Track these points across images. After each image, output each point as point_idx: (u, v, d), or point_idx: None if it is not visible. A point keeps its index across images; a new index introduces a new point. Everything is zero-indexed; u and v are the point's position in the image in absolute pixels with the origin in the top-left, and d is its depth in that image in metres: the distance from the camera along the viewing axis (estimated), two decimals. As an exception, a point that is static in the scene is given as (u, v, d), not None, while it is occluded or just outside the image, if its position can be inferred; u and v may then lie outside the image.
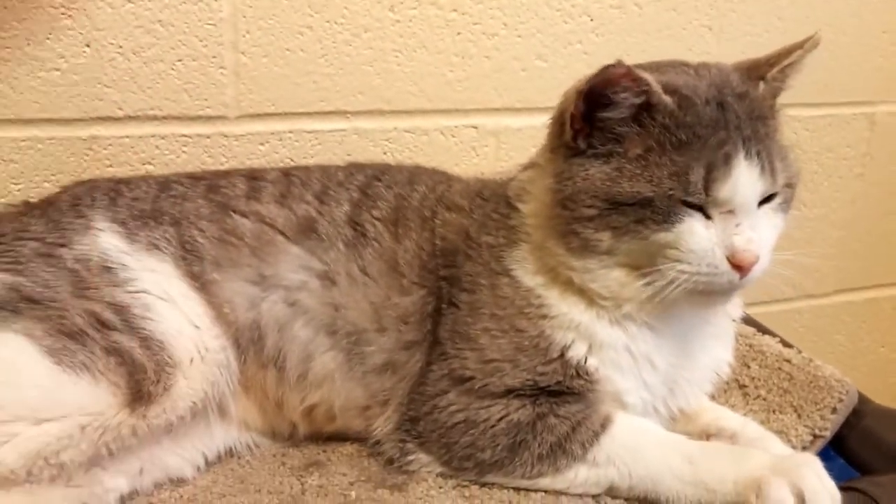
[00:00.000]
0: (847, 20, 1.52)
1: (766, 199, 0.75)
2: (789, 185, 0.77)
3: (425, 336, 0.84)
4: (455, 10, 1.24)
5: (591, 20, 1.34)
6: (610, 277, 0.77)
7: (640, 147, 0.74)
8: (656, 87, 0.72)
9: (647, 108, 0.73)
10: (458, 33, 1.25)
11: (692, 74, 0.78)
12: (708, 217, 0.73)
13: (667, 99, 0.73)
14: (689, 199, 0.72)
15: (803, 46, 0.78)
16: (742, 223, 0.72)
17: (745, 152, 0.73)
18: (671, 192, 0.72)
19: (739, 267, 0.72)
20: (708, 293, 0.75)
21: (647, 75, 0.72)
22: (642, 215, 0.73)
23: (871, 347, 1.85)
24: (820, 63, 1.50)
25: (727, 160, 0.72)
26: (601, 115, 0.74)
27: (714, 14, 1.42)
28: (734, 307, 0.88)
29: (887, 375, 1.90)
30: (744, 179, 0.72)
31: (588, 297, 0.79)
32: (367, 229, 0.88)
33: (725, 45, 1.42)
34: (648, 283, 0.75)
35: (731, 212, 0.73)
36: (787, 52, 0.78)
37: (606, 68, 0.71)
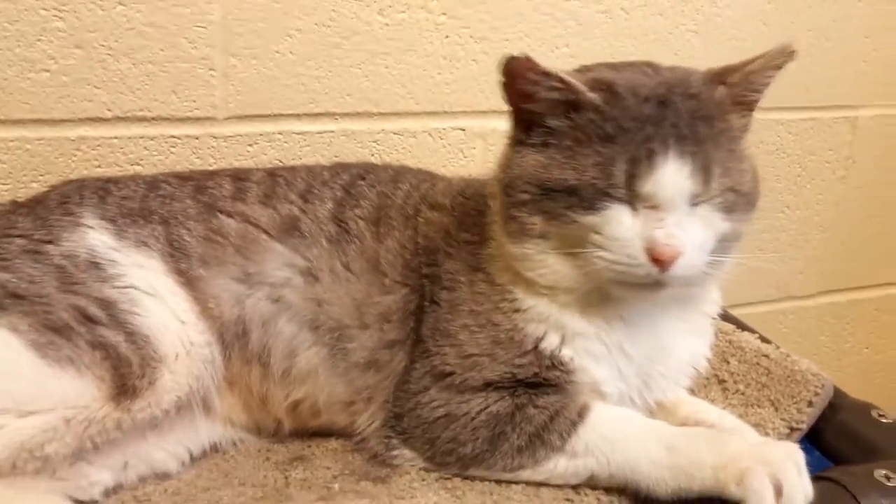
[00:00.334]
0: (830, 25, 1.54)
1: (703, 200, 0.75)
2: (734, 191, 0.76)
3: (408, 335, 0.86)
4: (444, 13, 1.25)
5: (579, 24, 1.35)
6: (546, 265, 0.78)
7: (570, 138, 0.76)
8: (576, 84, 0.74)
9: (575, 107, 0.75)
10: (447, 36, 1.27)
11: (648, 74, 0.80)
12: (634, 208, 0.74)
13: (591, 95, 0.75)
14: (612, 191, 0.74)
15: (770, 55, 0.78)
16: (666, 219, 0.73)
17: (675, 150, 0.73)
18: (594, 182, 0.74)
19: (658, 261, 0.72)
20: (633, 285, 0.75)
21: (557, 71, 0.74)
22: (570, 202, 0.75)
23: (855, 348, 1.87)
24: (803, 67, 1.53)
25: (651, 156, 0.72)
26: (525, 108, 0.77)
27: (700, 19, 1.43)
28: (709, 304, 0.89)
29: (871, 376, 1.91)
30: (668, 177, 0.72)
31: (563, 300, 0.80)
32: (350, 227, 0.89)
33: (712, 50, 1.44)
34: (576, 268, 0.76)
35: (655, 207, 0.73)
36: (755, 58, 0.78)
37: (509, 60, 0.74)
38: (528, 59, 0.74)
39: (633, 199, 0.74)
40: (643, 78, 0.78)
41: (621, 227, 0.73)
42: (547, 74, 0.74)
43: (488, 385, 0.79)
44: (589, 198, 0.74)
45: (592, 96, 0.75)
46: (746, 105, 0.81)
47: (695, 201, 0.75)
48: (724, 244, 0.78)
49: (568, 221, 0.75)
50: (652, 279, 0.73)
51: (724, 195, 0.76)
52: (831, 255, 1.73)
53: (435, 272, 0.86)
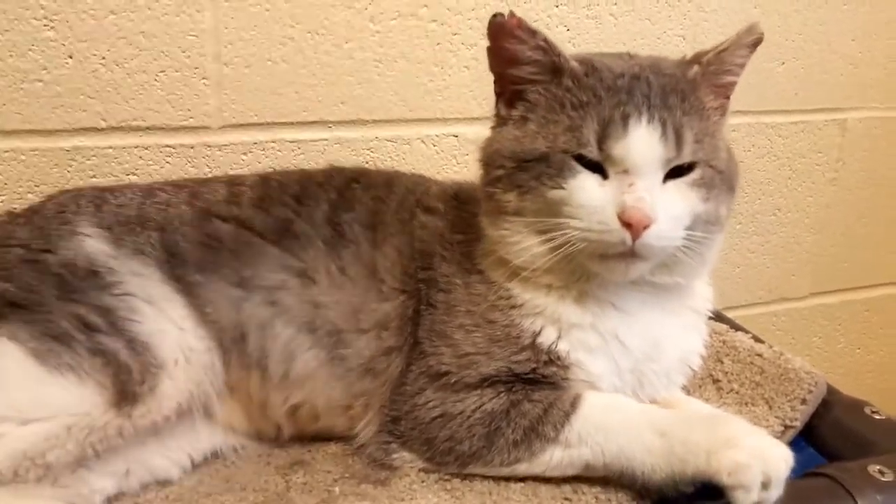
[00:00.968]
0: (817, 28, 1.56)
1: (678, 173, 0.77)
2: (710, 166, 0.78)
3: (406, 340, 0.86)
4: (434, 20, 1.26)
5: (568, 30, 1.37)
6: (524, 245, 0.79)
7: (546, 109, 0.78)
8: (558, 47, 0.77)
9: (556, 73, 0.78)
10: (438, 43, 1.28)
11: (624, 58, 0.83)
12: (605, 177, 0.75)
13: (574, 63, 0.78)
14: (583, 152, 0.75)
15: (739, 35, 0.80)
16: (636, 184, 0.74)
17: (647, 116, 0.75)
18: (565, 147, 0.76)
19: (629, 225, 0.72)
20: (608, 257, 0.75)
21: (543, 33, 0.77)
22: (540, 171, 0.76)
23: (847, 349, 1.88)
24: (791, 71, 1.55)
25: (625, 119, 0.74)
26: (510, 74, 0.80)
27: (688, 24, 1.45)
28: (700, 300, 0.89)
29: (863, 376, 1.93)
30: (640, 140, 0.74)
31: (548, 280, 0.81)
32: (346, 230, 0.89)
33: (699, 54, 1.45)
34: (548, 241, 0.76)
35: (626, 172, 0.74)
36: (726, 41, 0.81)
37: (498, 16, 0.76)
38: (515, 17, 0.76)
39: (603, 162, 0.75)
40: (619, 60, 0.82)
41: (591, 193, 0.75)
42: (533, 33, 0.77)
43: (484, 381, 0.80)
44: (559, 165, 0.76)
45: (573, 63, 0.78)
46: (721, 88, 0.83)
47: (668, 168, 0.76)
48: (705, 226, 0.78)
49: (539, 194, 0.77)
50: (625, 247, 0.73)
51: (699, 169, 0.77)
52: (822, 256, 1.74)
53: (431, 276, 0.87)
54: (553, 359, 0.80)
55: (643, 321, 0.83)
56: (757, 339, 1.06)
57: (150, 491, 0.82)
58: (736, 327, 1.11)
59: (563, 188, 0.75)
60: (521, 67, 0.79)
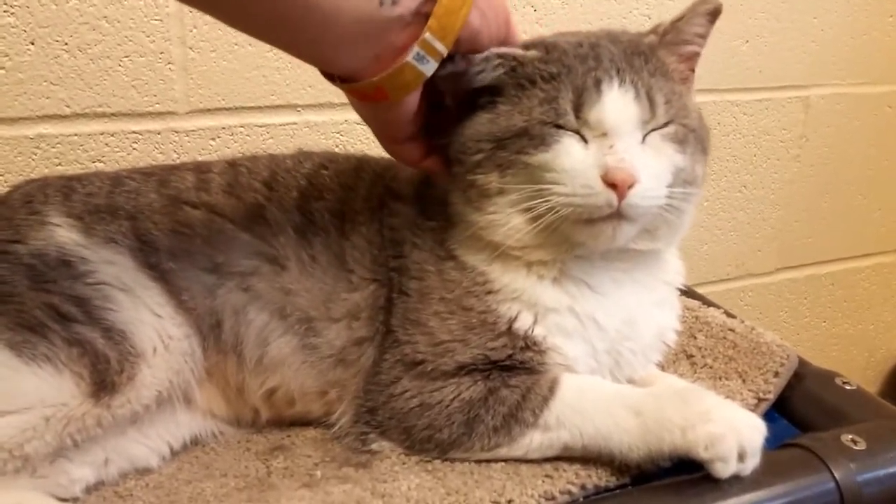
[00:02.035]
0: (780, 6, 1.58)
1: (652, 129, 0.78)
2: (682, 124, 0.79)
3: (378, 330, 0.85)
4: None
5: (535, 10, 1.37)
6: (510, 225, 0.79)
7: (515, 88, 0.78)
8: (510, 52, 0.77)
9: (517, 65, 0.78)
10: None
11: (574, 34, 0.84)
12: (584, 142, 0.76)
13: (529, 52, 0.78)
14: (560, 122, 0.76)
15: (695, 3, 0.81)
16: (616, 145, 0.74)
17: (618, 80, 0.76)
18: (543, 118, 0.76)
19: (614, 185, 0.73)
20: (594, 222, 0.75)
21: (490, 52, 0.76)
22: (521, 145, 0.76)
23: (814, 322, 1.92)
24: (755, 49, 1.57)
25: (598, 84, 0.75)
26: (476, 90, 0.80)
27: (653, 3, 1.46)
28: (672, 274, 0.90)
29: (829, 349, 1.97)
30: (615, 102, 0.75)
31: (525, 262, 0.81)
32: (316, 218, 0.89)
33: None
34: (534, 213, 0.76)
35: (604, 135, 0.75)
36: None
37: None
38: (462, 59, 0.76)
39: (581, 130, 0.76)
40: (571, 35, 0.83)
41: (573, 158, 0.75)
42: (486, 59, 0.77)
43: (461, 369, 0.80)
44: (539, 135, 0.76)
45: (530, 53, 0.78)
46: (683, 58, 0.83)
47: (644, 130, 0.77)
48: (684, 185, 0.79)
49: (522, 166, 0.77)
50: (611, 209, 0.74)
51: (673, 126, 0.78)
52: (788, 232, 1.78)
53: (402, 263, 0.86)
54: (529, 344, 0.80)
55: (619, 301, 0.83)
56: (729, 315, 1.08)
57: (130, 479, 0.81)
58: (708, 303, 1.13)
59: (546, 154, 0.76)
60: (484, 76, 0.79)
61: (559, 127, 0.76)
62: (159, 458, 0.84)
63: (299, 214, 0.89)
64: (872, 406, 0.88)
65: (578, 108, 0.75)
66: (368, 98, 0.74)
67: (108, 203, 0.88)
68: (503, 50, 0.77)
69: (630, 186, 0.73)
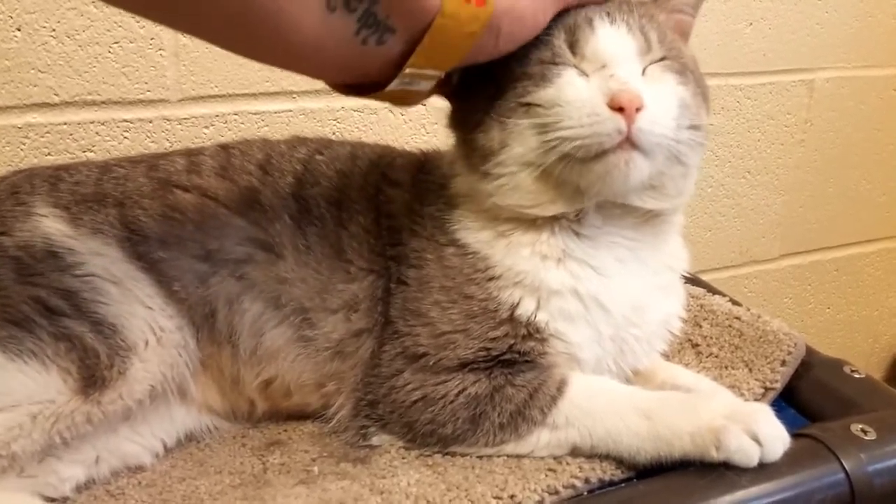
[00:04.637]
0: (784, -11, 1.56)
1: (650, 62, 0.76)
2: (679, 62, 0.78)
3: (376, 321, 0.83)
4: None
5: None
6: (518, 183, 0.76)
7: None
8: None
9: None
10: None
11: None
12: (585, 76, 0.74)
13: None
14: (558, 59, 0.74)
15: None
16: (616, 73, 0.72)
17: (609, 19, 0.75)
18: (537, 59, 0.74)
19: (621, 109, 0.70)
20: (602, 155, 0.72)
21: None
22: (521, 89, 0.74)
23: (818, 309, 1.90)
24: (760, 32, 1.54)
25: (589, 22, 0.75)
26: None
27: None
28: (677, 260, 0.88)
29: (834, 335, 1.96)
30: (610, 34, 0.74)
31: (527, 242, 0.79)
32: (311, 206, 0.86)
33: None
34: (540, 160, 0.74)
35: (604, 67, 0.73)
36: None
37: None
38: None
39: (580, 64, 0.74)
40: None
41: (576, 88, 0.73)
42: None
43: (464, 366, 0.78)
44: (538, 73, 0.74)
45: None
46: (677, 27, 0.82)
47: (643, 63, 0.75)
48: (689, 130, 0.76)
49: (524, 111, 0.74)
50: (621, 135, 0.70)
51: (669, 61, 0.77)
52: (792, 218, 1.76)
53: (400, 252, 0.84)
54: (532, 332, 0.78)
55: (624, 284, 0.81)
56: (734, 303, 1.06)
57: (122, 477, 0.79)
58: (713, 291, 1.11)
59: (548, 89, 0.73)
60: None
61: (557, 64, 0.74)
62: (152, 455, 0.82)
63: (295, 201, 0.87)
64: (882, 395, 0.87)
65: (573, 45, 0.74)
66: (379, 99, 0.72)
67: (95, 192, 0.85)
68: None
69: (637, 110, 0.70)
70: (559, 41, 0.74)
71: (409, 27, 0.64)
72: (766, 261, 1.77)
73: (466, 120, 0.79)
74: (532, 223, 0.80)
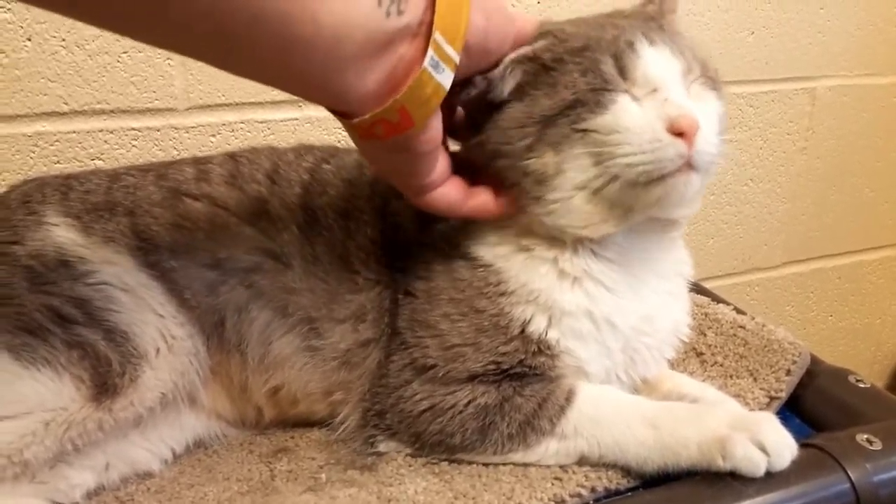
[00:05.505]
0: (786, -3, 1.56)
1: (692, 80, 0.77)
2: (708, 75, 0.78)
3: (383, 332, 0.84)
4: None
5: (538, 2, 1.35)
6: (573, 207, 0.76)
7: (544, 74, 0.75)
8: (525, 53, 0.75)
9: (528, 60, 0.75)
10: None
11: (580, 19, 0.82)
12: (637, 100, 0.74)
13: (539, 43, 0.75)
14: (610, 86, 0.73)
15: None
16: (670, 98, 0.72)
17: (647, 41, 0.75)
18: (591, 85, 0.73)
19: (682, 134, 0.70)
20: (661, 178, 0.72)
21: (505, 64, 0.74)
22: (575, 116, 0.73)
23: (820, 317, 1.91)
24: (762, 40, 1.55)
25: (631, 46, 0.74)
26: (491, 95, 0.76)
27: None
28: (682, 264, 0.88)
29: (836, 343, 1.96)
30: (656, 58, 0.74)
31: (549, 258, 0.79)
32: (319, 216, 0.86)
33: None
34: (594, 184, 0.74)
35: (654, 91, 0.73)
36: None
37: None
38: (483, 80, 0.74)
39: (630, 89, 0.74)
40: (571, 20, 0.81)
41: (634, 115, 0.72)
42: (504, 70, 0.74)
43: (472, 378, 0.78)
44: (592, 100, 0.73)
45: (539, 43, 0.75)
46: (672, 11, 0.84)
47: (686, 82, 0.76)
48: (719, 136, 0.77)
49: (579, 137, 0.73)
50: (682, 159, 0.71)
51: (704, 77, 0.78)
52: (794, 225, 1.76)
53: (408, 264, 0.84)
54: (542, 348, 0.78)
55: (637, 296, 0.81)
56: (739, 311, 1.06)
57: (131, 484, 0.80)
58: (717, 299, 1.11)
59: (603, 119, 0.72)
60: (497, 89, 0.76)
61: (609, 91, 0.73)
62: (161, 461, 0.82)
63: (302, 211, 0.87)
64: (887, 404, 0.87)
65: (621, 70, 0.74)
66: (392, 131, 0.67)
67: (106, 200, 0.86)
68: (515, 55, 0.74)
69: (695, 133, 0.71)
70: (608, 66, 0.73)
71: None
72: (769, 268, 1.78)
73: (508, 143, 0.76)
74: (558, 239, 0.79)
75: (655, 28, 0.77)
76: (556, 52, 0.75)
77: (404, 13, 0.62)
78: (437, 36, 0.64)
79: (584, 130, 0.73)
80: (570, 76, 0.74)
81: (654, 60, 0.74)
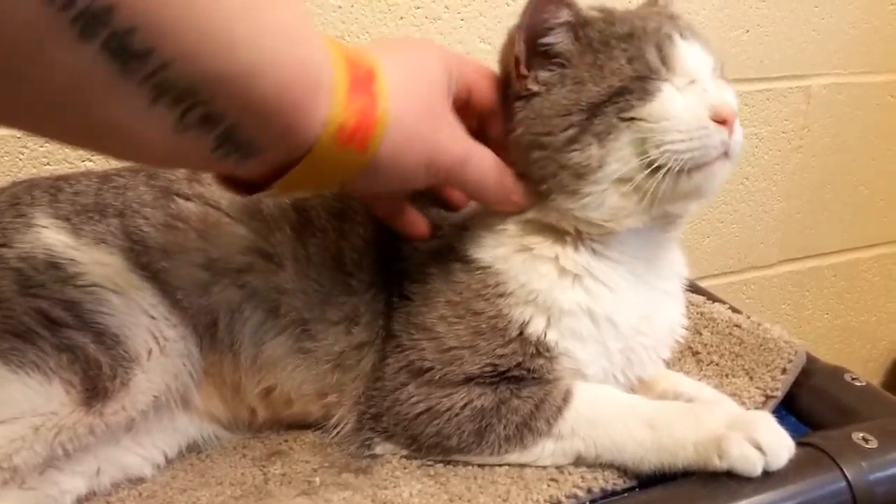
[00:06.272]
0: (781, -5, 1.56)
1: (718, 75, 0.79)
2: (723, 73, 0.81)
3: (378, 334, 0.83)
4: (397, -6, 1.23)
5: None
6: (605, 200, 0.75)
7: (589, 54, 0.76)
8: (582, 12, 0.77)
9: (581, 25, 0.76)
10: (401, 17, 1.25)
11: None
12: (678, 89, 0.75)
13: (593, 12, 0.78)
14: (654, 75, 0.74)
15: None
16: (707, 88, 0.74)
17: (679, 34, 0.77)
18: (637, 74, 0.74)
19: (724, 122, 0.72)
20: (703, 167, 0.73)
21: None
22: (622, 104, 0.73)
23: (816, 314, 1.90)
24: (757, 39, 1.54)
25: (669, 37, 0.76)
26: (543, 42, 0.76)
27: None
28: (678, 264, 0.88)
29: (832, 341, 1.96)
30: (693, 51, 0.76)
31: (551, 257, 0.79)
32: (312, 217, 0.86)
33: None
34: (636, 177, 0.73)
35: (693, 82, 0.74)
36: None
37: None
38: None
39: (672, 79, 0.75)
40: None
41: (680, 103, 0.73)
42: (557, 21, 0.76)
43: (469, 380, 0.78)
44: (639, 88, 0.74)
45: (594, 12, 0.78)
46: None
47: (714, 75, 0.77)
48: None
49: (625, 127, 0.73)
50: (724, 146, 0.72)
51: (720, 70, 0.80)
52: (790, 223, 1.76)
53: (403, 266, 0.84)
54: (541, 350, 0.78)
55: (636, 295, 0.81)
56: (735, 310, 1.06)
57: (123, 489, 0.79)
58: (713, 298, 1.11)
59: (652, 103, 0.73)
60: (555, 34, 0.76)
61: (654, 80, 0.74)
62: (153, 466, 0.82)
63: (295, 212, 0.86)
64: (883, 403, 0.87)
65: (664, 60, 0.75)
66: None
67: (96, 202, 0.85)
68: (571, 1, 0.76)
69: (734, 121, 0.73)
70: (652, 55, 0.75)
71: (277, 154, 0.59)
72: (765, 267, 1.77)
73: (551, 134, 0.75)
74: (561, 236, 0.79)
75: (684, 25, 0.79)
76: (605, 35, 0.76)
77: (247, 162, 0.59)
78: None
79: (632, 119, 0.73)
80: (615, 61, 0.75)
81: (691, 54, 0.76)
